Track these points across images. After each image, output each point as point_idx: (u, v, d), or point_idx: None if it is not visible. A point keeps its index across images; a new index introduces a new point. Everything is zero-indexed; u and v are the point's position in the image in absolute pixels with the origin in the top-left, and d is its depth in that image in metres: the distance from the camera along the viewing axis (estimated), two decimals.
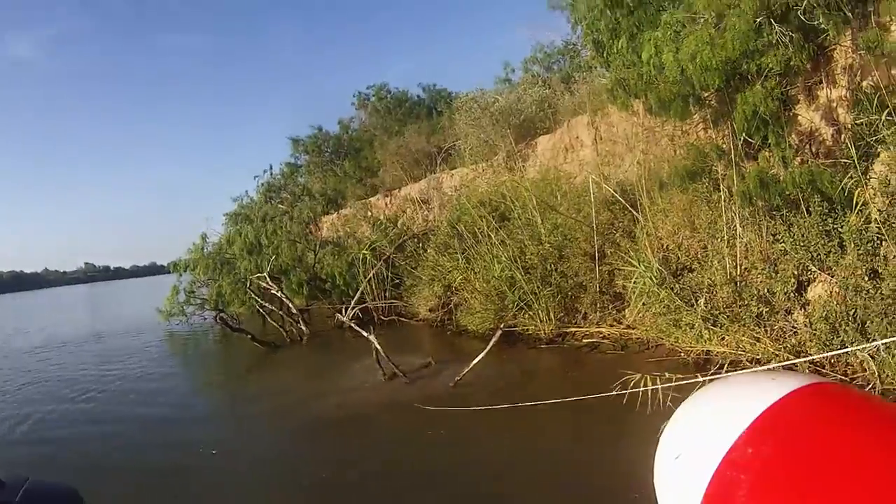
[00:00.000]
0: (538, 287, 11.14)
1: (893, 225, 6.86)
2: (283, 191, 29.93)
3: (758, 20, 7.06)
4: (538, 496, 6.01)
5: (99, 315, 40.97)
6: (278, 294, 17.58)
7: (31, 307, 64.74)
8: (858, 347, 6.58)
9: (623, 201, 10.06)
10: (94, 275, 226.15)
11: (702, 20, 7.42)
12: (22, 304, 73.66)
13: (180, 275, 20.35)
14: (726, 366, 7.55)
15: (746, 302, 7.83)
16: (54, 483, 1.52)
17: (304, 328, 17.13)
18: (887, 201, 6.99)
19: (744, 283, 8.08)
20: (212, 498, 7.06)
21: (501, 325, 10.77)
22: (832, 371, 7.01)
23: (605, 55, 9.36)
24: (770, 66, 7.37)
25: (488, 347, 9.79)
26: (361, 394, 10.19)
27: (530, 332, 11.34)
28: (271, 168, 33.12)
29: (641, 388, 6.67)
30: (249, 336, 16.00)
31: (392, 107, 28.59)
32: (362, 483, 6.84)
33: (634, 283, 9.23)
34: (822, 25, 7.13)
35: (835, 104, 7.96)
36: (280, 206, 24.97)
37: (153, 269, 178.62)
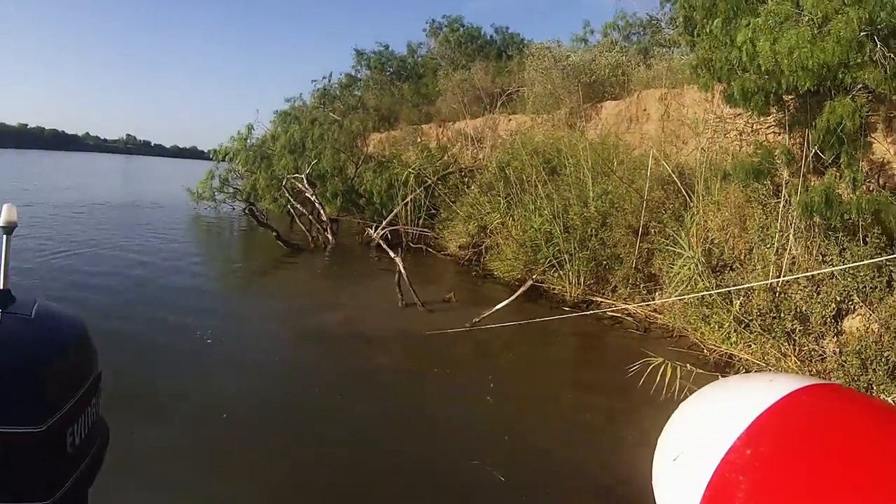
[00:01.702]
0: (574, 248, 10.85)
1: None
2: (338, 100, 29.60)
3: (862, 33, 6.69)
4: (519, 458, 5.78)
5: (131, 185, 41.53)
6: (311, 198, 17.41)
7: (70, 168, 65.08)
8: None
9: (679, 183, 9.71)
10: (133, 147, 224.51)
11: (806, 17, 7.02)
12: (59, 164, 73.26)
13: (218, 161, 20.21)
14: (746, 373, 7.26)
15: (782, 315, 7.56)
16: (61, 307, 1.42)
17: (330, 237, 16.97)
18: None
19: (783, 295, 7.79)
20: (187, 378, 7.08)
21: (533, 277, 10.52)
22: None
23: (693, 33, 8.94)
24: (866, 81, 6.98)
25: (515, 295, 9.59)
26: (373, 315, 10.05)
27: (556, 291, 11.12)
28: (330, 75, 32.69)
29: (660, 374, 6.47)
30: (275, 234, 15.80)
31: (463, 40, 27.99)
32: (338, 401, 6.76)
33: (679, 267, 8.93)
34: None
35: None
36: (332, 114, 24.60)
37: (193, 153, 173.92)
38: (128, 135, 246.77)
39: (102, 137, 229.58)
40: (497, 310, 9.27)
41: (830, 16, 6.84)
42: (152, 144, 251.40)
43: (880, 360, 6.54)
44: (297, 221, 18.02)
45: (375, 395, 7.02)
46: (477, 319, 9.24)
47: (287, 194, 17.94)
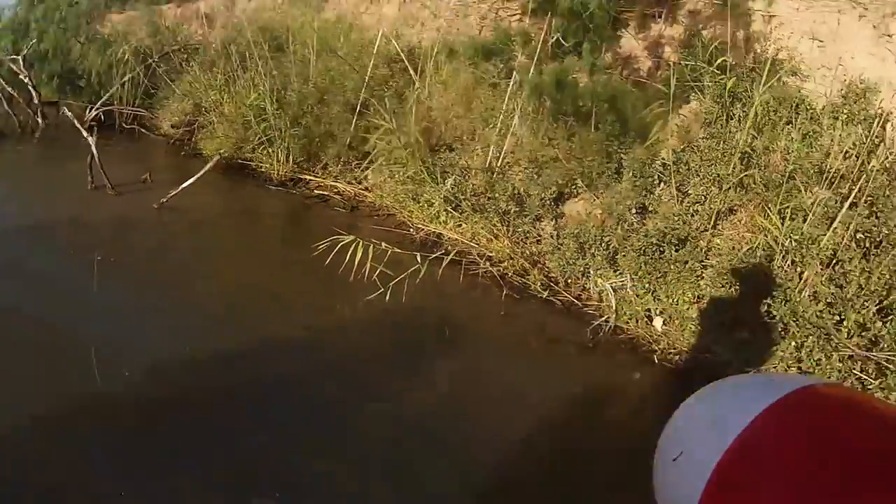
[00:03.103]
0: (286, 125, 9.58)
1: (680, 170, 6.13)
2: None
3: None
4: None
5: None
6: (25, 80, 14.87)
7: None
8: None
9: (407, 62, 8.62)
10: None
11: None
12: None
13: None
14: (453, 254, 6.50)
15: (497, 195, 6.66)
16: None
17: (39, 121, 14.38)
18: (682, 147, 6.33)
19: (501, 175, 6.91)
20: None
21: (220, 153, 9.55)
22: (566, 291, 6.14)
23: None
24: None
25: (201, 172, 8.56)
26: (54, 201, 8.69)
27: (264, 170, 9.83)
28: None
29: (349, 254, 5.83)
30: None
31: None
32: None
33: (387, 143, 7.94)
34: None
35: (665, 41, 7.32)
36: None
37: None
38: None
39: None
40: (184, 188, 8.26)
41: None
42: None
43: (600, 244, 5.91)
44: (5, 106, 15.38)
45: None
46: (164, 199, 8.14)
47: (1, 78, 15.13)
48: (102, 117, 12.93)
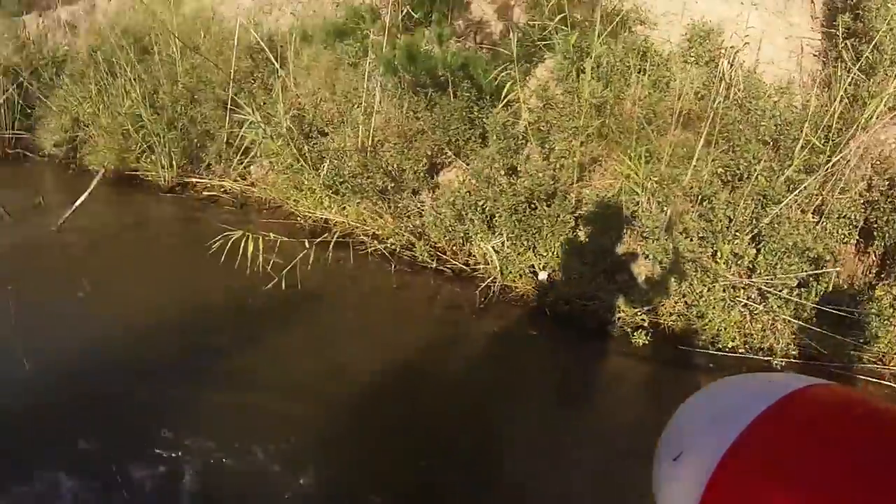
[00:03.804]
0: (163, 129, 9.34)
1: (542, 128, 6.26)
2: None
3: None
4: None
5: None
6: None
7: None
8: None
9: (268, 52, 8.50)
10: None
11: None
12: None
13: None
14: (337, 236, 6.71)
15: (372, 174, 6.69)
16: None
17: None
18: (541, 105, 6.43)
19: (374, 154, 6.93)
20: None
21: (104, 166, 9.27)
22: (454, 259, 6.28)
23: None
24: None
25: (89, 189, 8.24)
26: None
27: (151, 178, 9.60)
28: None
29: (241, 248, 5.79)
30: None
31: None
32: None
33: (251, 133, 7.98)
34: None
35: (513, 3, 7.46)
36: None
37: None
38: None
39: None
40: (76, 207, 8.01)
41: None
42: None
43: (475, 209, 5.99)
44: None
45: None
46: (61, 221, 7.86)
47: None
48: None
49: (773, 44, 6.36)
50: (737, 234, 5.16)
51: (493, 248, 5.83)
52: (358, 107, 7.31)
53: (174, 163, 9.50)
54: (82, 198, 8.10)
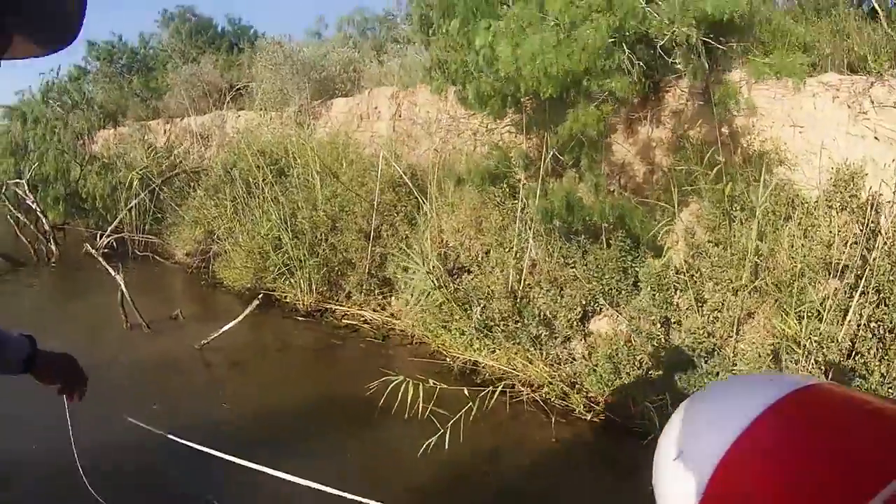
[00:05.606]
0: (304, 255, 9.74)
1: (694, 277, 6.23)
2: (66, 95, 26.38)
3: (610, 39, 6.09)
4: None
5: None
6: (32, 205, 14.84)
7: None
8: None
9: (411, 185, 8.82)
10: None
11: (552, 23, 6.32)
12: None
13: None
14: (500, 387, 6.55)
15: (526, 321, 6.85)
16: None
17: (53, 248, 14.53)
18: (691, 252, 6.44)
19: (525, 299, 7.09)
20: None
21: (260, 293, 9.28)
22: (611, 412, 6.22)
23: (429, 33, 8.11)
24: (613, 89, 6.43)
25: (243, 315, 8.38)
26: (95, 342, 8.57)
27: (288, 300, 9.98)
28: (59, 68, 28.79)
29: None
30: None
31: (194, 31, 25.54)
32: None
33: (410, 276, 8.13)
34: (680, 66, 6.50)
35: (654, 144, 7.41)
36: (59, 109, 21.70)
37: None
38: None
39: None
40: (224, 331, 8.20)
41: (578, 23, 6.16)
42: None
43: (633, 362, 6.05)
44: (19, 234, 15.25)
45: None
46: (205, 341, 8.14)
47: (7, 203, 15.33)
48: (115, 244, 13.11)
49: None
50: (889, 391, 5.10)
51: (651, 406, 5.77)
52: (507, 249, 7.47)
53: (314, 288, 9.80)
54: (231, 324, 8.29)
